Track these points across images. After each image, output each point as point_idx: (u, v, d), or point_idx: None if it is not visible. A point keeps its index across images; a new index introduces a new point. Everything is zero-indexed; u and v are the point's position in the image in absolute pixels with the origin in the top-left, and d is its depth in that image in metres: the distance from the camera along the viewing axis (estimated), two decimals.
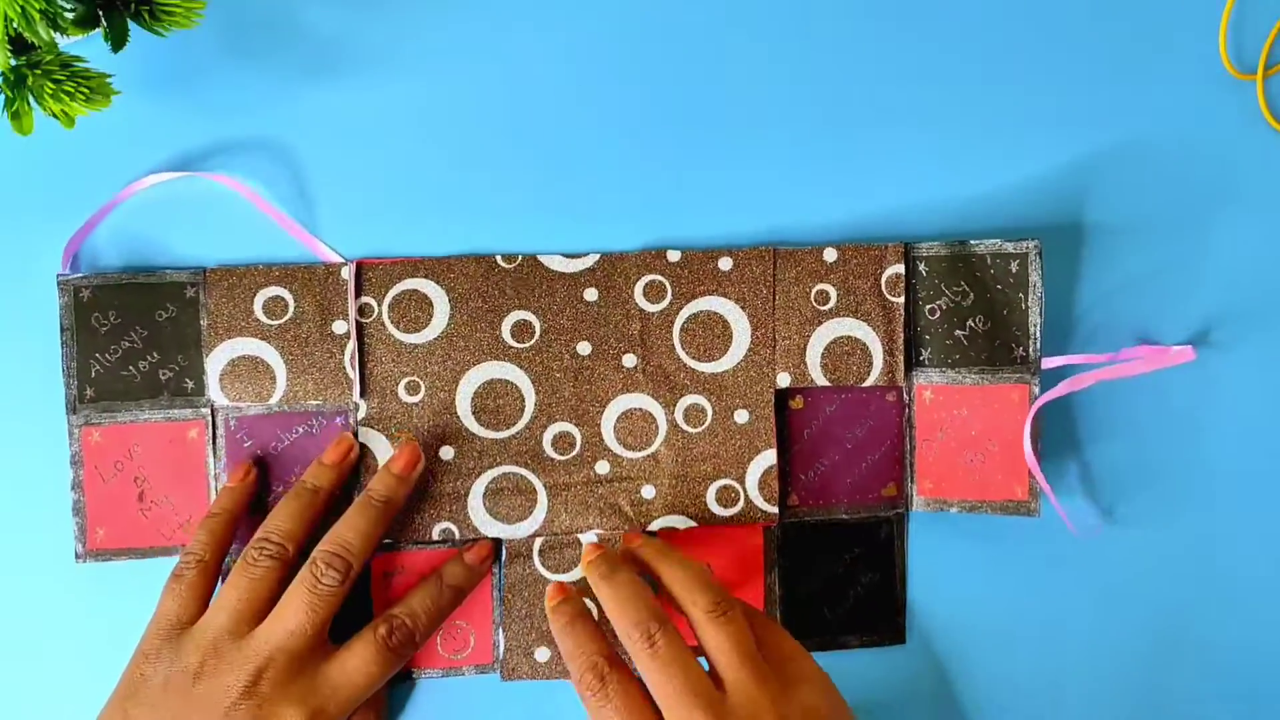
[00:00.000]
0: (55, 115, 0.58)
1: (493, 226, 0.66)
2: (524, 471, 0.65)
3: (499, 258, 0.65)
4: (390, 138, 0.66)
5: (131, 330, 0.64)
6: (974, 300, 0.66)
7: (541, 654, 0.65)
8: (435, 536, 0.65)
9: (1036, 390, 0.66)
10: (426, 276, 0.65)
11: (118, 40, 0.59)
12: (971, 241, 0.66)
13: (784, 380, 0.66)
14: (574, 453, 0.66)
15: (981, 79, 0.67)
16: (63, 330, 0.64)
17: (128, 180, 0.65)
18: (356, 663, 0.59)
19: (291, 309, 0.64)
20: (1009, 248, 0.66)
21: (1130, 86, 0.68)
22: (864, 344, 0.66)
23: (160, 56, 0.65)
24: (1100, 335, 0.68)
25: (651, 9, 0.66)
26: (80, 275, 0.64)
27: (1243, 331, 0.68)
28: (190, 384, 0.65)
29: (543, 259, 0.65)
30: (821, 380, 0.66)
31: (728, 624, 0.55)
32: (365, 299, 0.65)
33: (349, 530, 0.60)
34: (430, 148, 0.66)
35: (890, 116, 0.67)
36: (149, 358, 0.64)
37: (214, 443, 0.65)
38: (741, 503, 0.66)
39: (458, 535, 0.65)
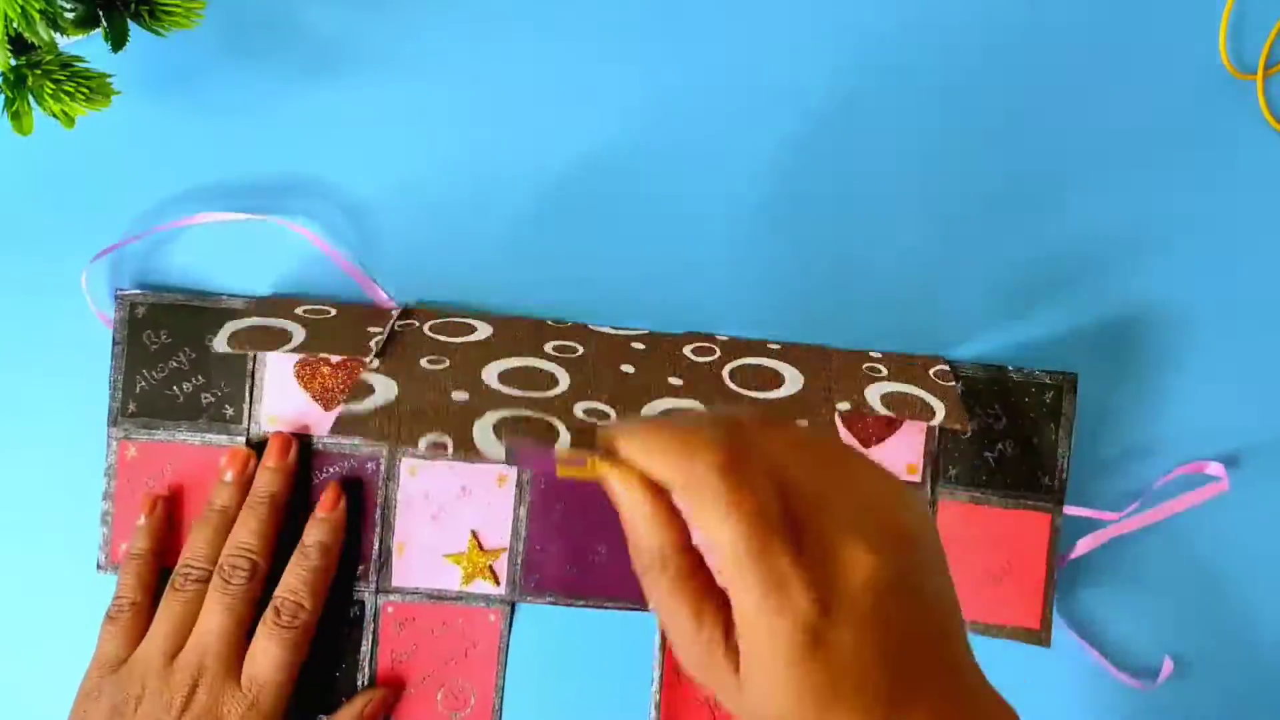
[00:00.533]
0: (55, 115, 0.58)
1: (504, 237, 0.67)
2: (550, 418, 0.61)
3: (548, 320, 0.67)
4: (391, 138, 0.66)
5: (180, 351, 0.65)
6: (1006, 424, 0.67)
7: None
8: (422, 447, 0.62)
9: (1059, 521, 0.67)
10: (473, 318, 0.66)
11: (118, 40, 0.58)
12: (1009, 368, 0.67)
13: (844, 406, 0.63)
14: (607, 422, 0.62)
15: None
16: (115, 344, 0.65)
17: (128, 180, 0.65)
18: (261, 655, 0.60)
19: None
20: (1044, 378, 0.67)
21: (1130, 86, 0.67)
22: (923, 399, 0.65)
23: (160, 56, 0.64)
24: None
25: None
26: (138, 291, 0.65)
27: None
28: (230, 410, 0.65)
29: (591, 326, 0.67)
30: (881, 410, 0.63)
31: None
32: (409, 321, 0.65)
33: (243, 531, 0.62)
34: (430, 147, 0.66)
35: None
36: (194, 380, 0.65)
37: None
38: None
39: (450, 449, 0.58)
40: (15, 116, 0.58)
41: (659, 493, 0.46)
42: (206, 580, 0.61)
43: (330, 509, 0.63)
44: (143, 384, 0.65)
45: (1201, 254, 0.68)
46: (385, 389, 0.60)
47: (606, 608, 0.66)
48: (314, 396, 0.65)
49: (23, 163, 0.65)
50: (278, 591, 0.62)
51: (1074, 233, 0.67)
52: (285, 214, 0.66)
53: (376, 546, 0.65)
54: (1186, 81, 0.68)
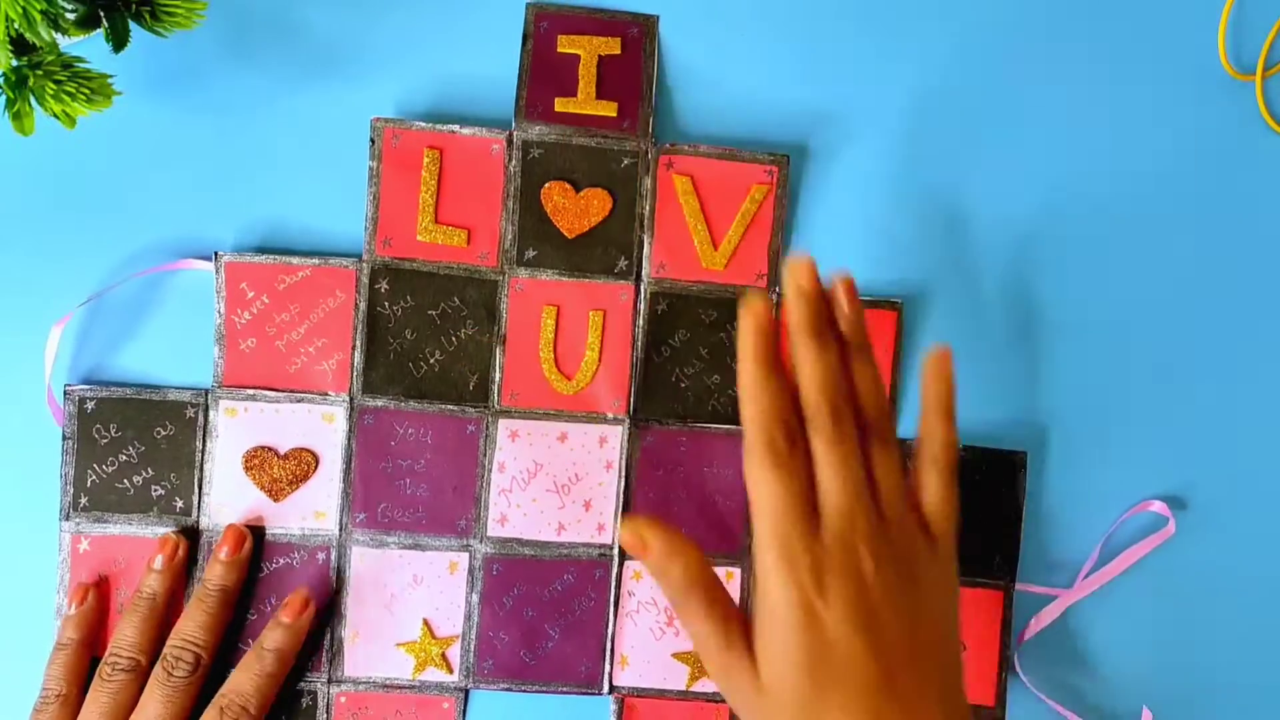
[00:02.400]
0: (56, 116, 0.58)
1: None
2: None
3: None
4: None
5: (130, 445, 0.65)
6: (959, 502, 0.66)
7: None
8: None
9: (1012, 598, 0.67)
10: None
11: (119, 41, 0.59)
12: (961, 444, 0.65)
13: None
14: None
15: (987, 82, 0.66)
16: (65, 439, 0.65)
17: (129, 182, 0.66)
18: None
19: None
20: (996, 456, 0.67)
21: (1130, 86, 0.67)
22: None
23: (161, 57, 0.65)
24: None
25: None
26: (87, 386, 0.65)
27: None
28: (180, 503, 0.65)
29: None
30: None
31: (893, 448, 0.55)
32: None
33: (191, 624, 0.62)
34: None
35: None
36: (144, 473, 0.65)
37: (195, 564, 0.65)
38: None
39: None
40: (17, 117, 0.58)
41: (666, 529, 0.54)
42: (134, 670, 0.61)
43: (295, 616, 0.63)
44: (93, 478, 0.65)
45: (1201, 253, 0.67)
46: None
47: (561, 692, 0.66)
48: (263, 488, 0.66)
49: (23, 163, 0.66)
50: (225, 690, 0.61)
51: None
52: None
53: (328, 636, 0.66)
54: (1186, 82, 0.67)
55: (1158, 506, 0.67)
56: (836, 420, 0.54)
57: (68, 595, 0.64)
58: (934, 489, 0.56)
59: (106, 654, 0.62)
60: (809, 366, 0.54)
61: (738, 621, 0.54)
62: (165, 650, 0.62)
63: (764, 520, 0.53)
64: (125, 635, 0.62)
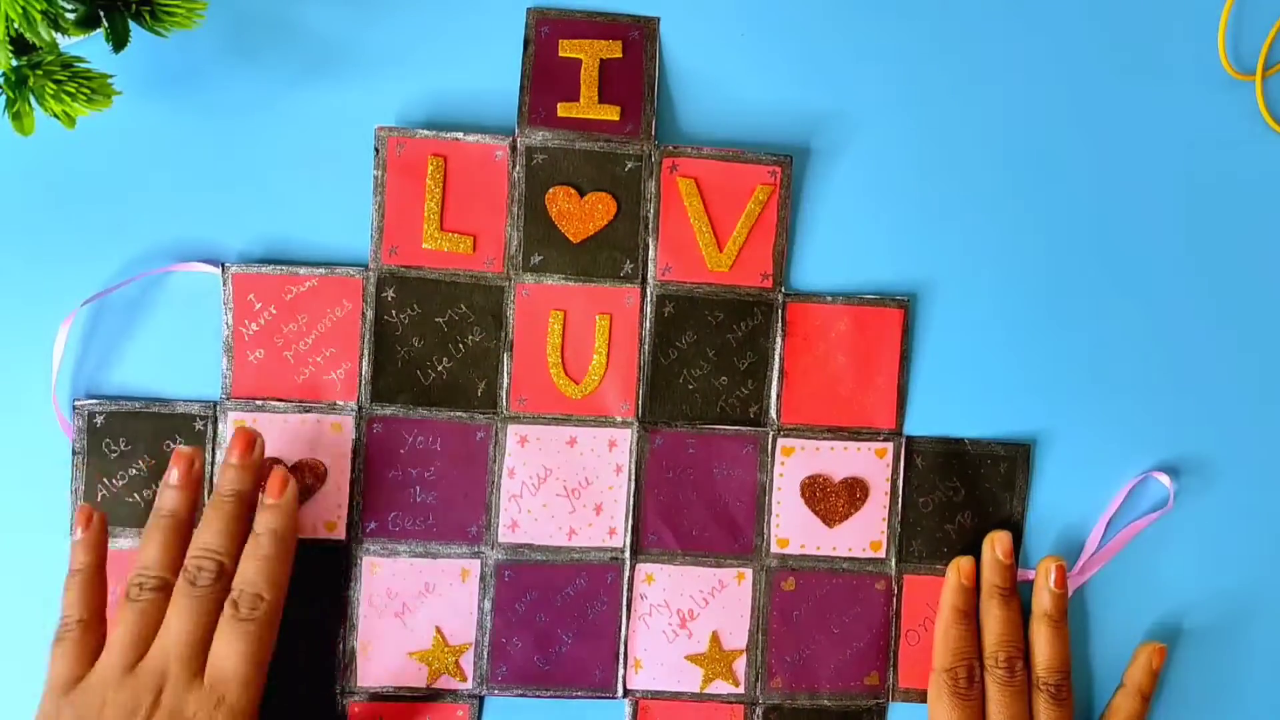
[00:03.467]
0: (56, 115, 0.58)
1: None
2: None
3: None
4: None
5: (140, 458, 0.65)
6: (965, 496, 0.68)
7: None
8: None
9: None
10: None
11: (119, 41, 0.59)
12: (966, 441, 0.68)
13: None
14: None
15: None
16: (74, 453, 0.65)
17: (129, 182, 0.65)
18: (225, 649, 0.58)
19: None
20: (1000, 449, 0.68)
21: (1130, 86, 0.68)
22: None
23: (161, 57, 0.65)
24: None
25: None
26: (95, 400, 0.65)
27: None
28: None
29: None
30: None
31: (1064, 708, 0.65)
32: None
33: (208, 533, 0.61)
34: None
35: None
36: (154, 486, 0.65)
37: None
38: None
39: None
40: (16, 117, 0.58)
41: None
42: (162, 588, 0.59)
43: (278, 494, 0.62)
44: (103, 492, 0.65)
45: (1201, 253, 0.68)
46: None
47: (575, 697, 0.67)
48: None
49: (24, 163, 0.65)
50: (235, 583, 0.60)
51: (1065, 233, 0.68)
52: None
53: (341, 647, 0.65)
54: (1186, 82, 0.68)
55: (1157, 475, 0.68)
56: (1009, 667, 0.65)
57: (77, 521, 0.62)
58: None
59: (131, 575, 0.60)
60: (995, 622, 0.66)
61: None
62: (186, 562, 0.60)
63: None
64: (149, 554, 0.60)
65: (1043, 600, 0.66)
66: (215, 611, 0.59)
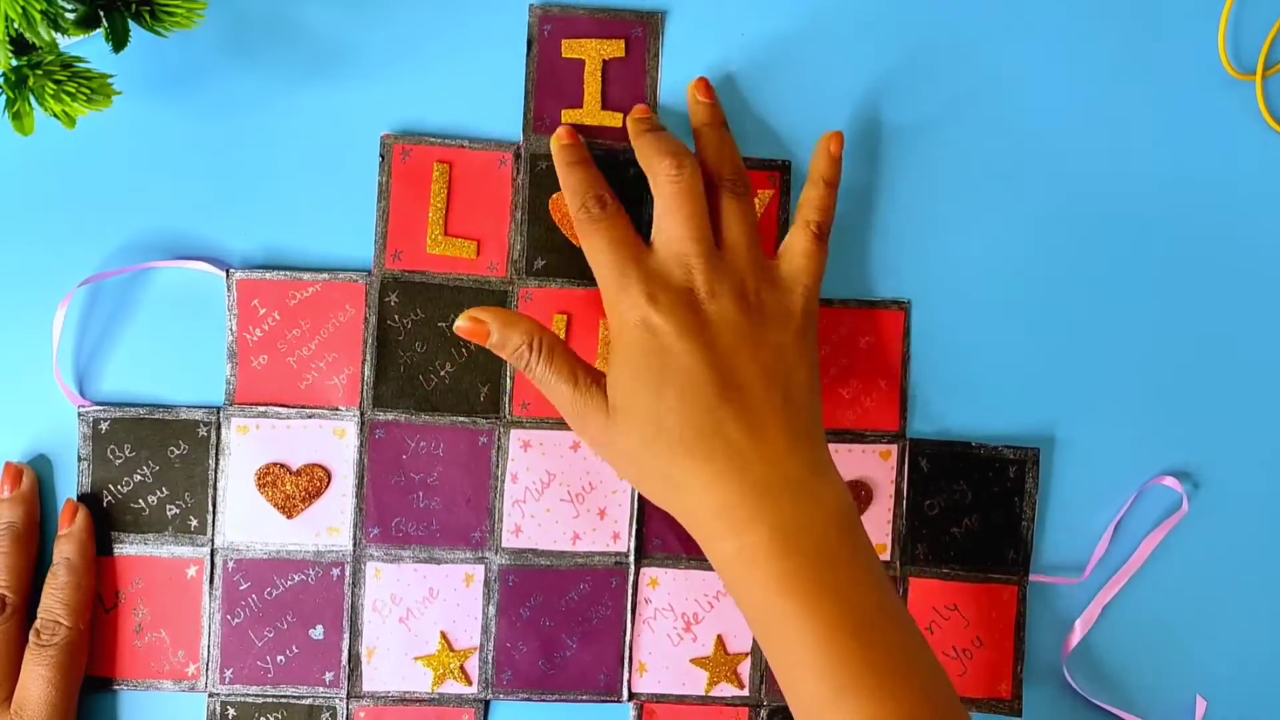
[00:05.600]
0: (56, 116, 0.57)
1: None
2: None
3: None
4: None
5: (144, 464, 0.65)
6: (971, 499, 0.68)
7: None
8: None
9: (1026, 591, 0.68)
10: None
11: (119, 41, 0.58)
12: (973, 444, 0.68)
13: None
14: None
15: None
16: (80, 460, 0.65)
17: (129, 182, 0.65)
18: (27, 676, 0.61)
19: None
20: (1008, 453, 0.68)
21: (1130, 86, 0.68)
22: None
23: (161, 57, 0.64)
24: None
25: None
26: (100, 407, 0.65)
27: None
28: (194, 522, 0.65)
29: None
30: None
31: (744, 200, 0.62)
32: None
33: None
34: None
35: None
36: (159, 492, 0.65)
37: (211, 582, 0.65)
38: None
39: None
40: (16, 117, 0.58)
41: (502, 310, 0.61)
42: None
43: (69, 523, 0.63)
44: (109, 498, 0.65)
45: (1201, 253, 0.68)
46: None
47: (580, 701, 0.67)
48: (276, 505, 0.65)
49: (24, 163, 0.65)
50: (39, 612, 0.62)
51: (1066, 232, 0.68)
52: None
53: (345, 652, 0.66)
54: (1186, 81, 0.68)
55: (1168, 481, 0.68)
56: (677, 165, 0.61)
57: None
58: (796, 243, 0.62)
59: None
60: (642, 139, 0.63)
61: (583, 367, 0.60)
62: None
63: (601, 265, 0.61)
64: None
65: (696, 114, 0.65)
66: (17, 641, 0.62)
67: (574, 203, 0.62)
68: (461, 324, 0.60)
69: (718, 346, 0.57)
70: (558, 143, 0.64)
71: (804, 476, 0.57)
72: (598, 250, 0.60)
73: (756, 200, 0.66)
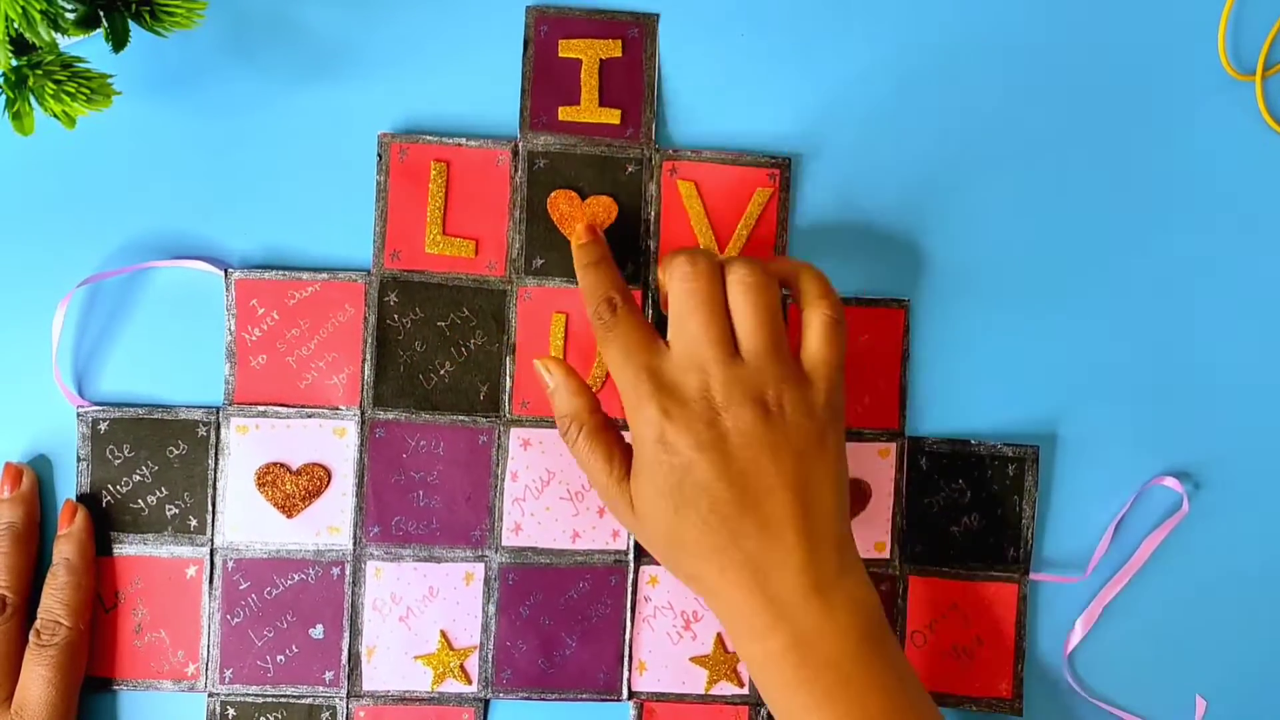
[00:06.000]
0: (56, 116, 0.57)
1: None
2: None
3: None
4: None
5: (144, 464, 0.65)
6: (971, 498, 0.68)
7: None
8: None
9: (1026, 590, 0.68)
10: None
11: (119, 41, 0.58)
12: (972, 441, 0.68)
13: None
14: None
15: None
16: (79, 460, 0.65)
17: (129, 182, 0.65)
18: (28, 675, 0.61)
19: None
20: (1007, 451, 0.68)
21: (1130, 86, 0.68)
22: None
23: (161, 57, 0.65)
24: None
25: None
26: (99, 407, 0.65)
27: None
28: (194, 521, 0.65)
29: None
30: None
31: (758, 293, 0.58)
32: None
33: None
34: None
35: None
36: (158, 492, 0.65)
37: (210, 582, 0.65)
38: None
39: None
40: (16, 117, 0.58)
41: (572, 370, 0.62)
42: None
43: (68, 524, 0.63)
44: (108, 498, 0.65)
45: (1202, 253, 0.68)
46: None
47: (580, 699, 0.67)
48: (276, 504, 0.65)
49: (24, 163, 0.65)
50: (39, 612, 0.62)
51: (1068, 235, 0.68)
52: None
53: (345, 651, 0.66)
54: (1186, 82, 0.68)
55: (1169, 482, 0.68)
56: (691, 263, 0.59)
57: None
58: (812, 335, 0.59)
59: None
60: (672, 257, 0.60)
61: (620, 454, 0.60)
62: None
63: (618, 376, 0.59)
64: None
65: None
66: (17, 641, 0.62)
67: (589, 306, 0.61)
68: (536, 361, 0.63)
69: (736, 460, 0.56)
70: (576, 241, 0.64)
71: (825, 584, 0.56)
72: (612, 361, 0.59)
73: (755, 199, 0.66)
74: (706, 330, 0.57)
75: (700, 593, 0.59)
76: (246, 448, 0.65)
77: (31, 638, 0.61)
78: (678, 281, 0.58)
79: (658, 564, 0.66)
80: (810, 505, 0.57)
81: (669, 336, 0.59)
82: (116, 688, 0.65)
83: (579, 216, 0.66)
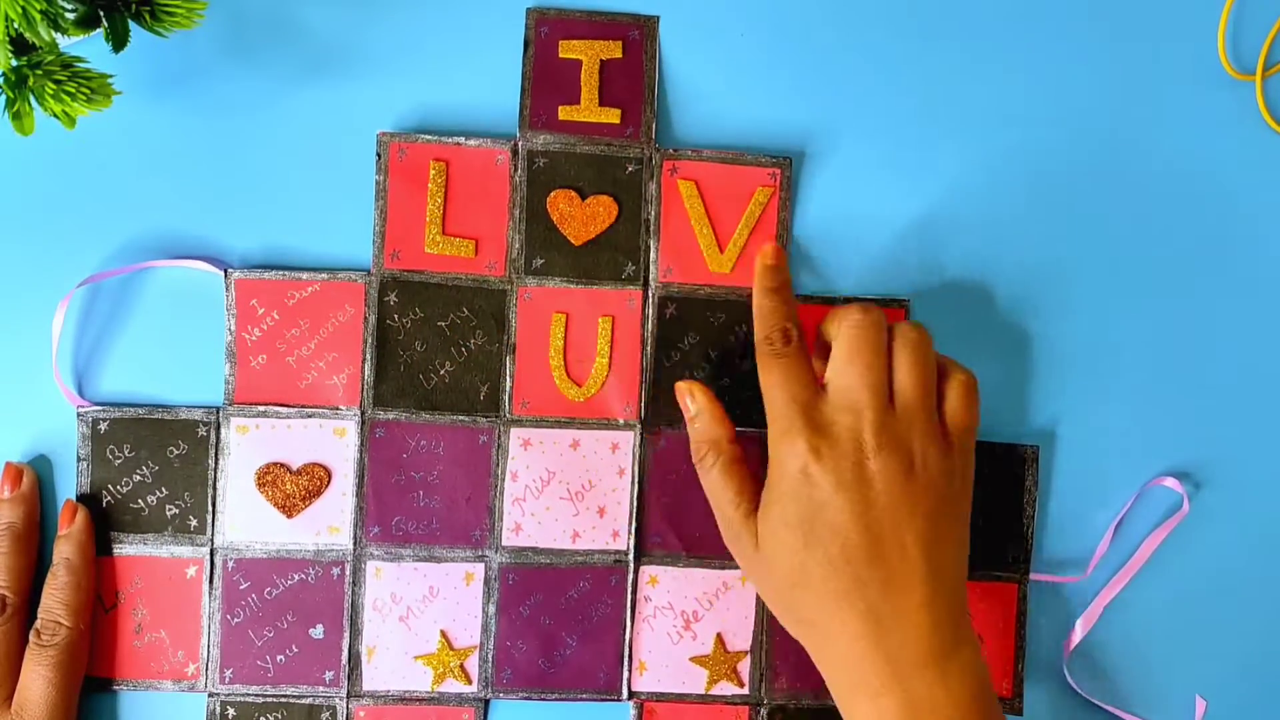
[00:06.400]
0: (56, 116, 0.57)
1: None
2: None
3: None
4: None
5: (144, 464, 0.65)
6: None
7: None
8: None
9: (1026, 589, 0.68)
10: None
11: (119, 41, 0.58)
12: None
13: None
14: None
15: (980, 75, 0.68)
16: (79, 460, 0.65)
17: (129, 182, 0.65)
18: (28, 675, 0.61)
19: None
20: (1007, 450, 0.68)
21: (1130, 86, 0.68)
22: None
23: (161, 57, 0.65)
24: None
25: None
26: (99, 407, 0.65)
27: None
28: (194, 521, 0.65)
29: None
30: None
31: (918, 350, 0.60)
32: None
33: None
34: None
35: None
36: (158, 492, 0.65)
37: (210, 582, 0.65)
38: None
39: None
40: (16, 117, 0.58)
41: (716, 398, 0.63)
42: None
43: (68, 524, 0.63)
44: (108, 498, 0.65)
45: (1202, 253, 0.69)
46: None
47: (580, 699, 0.67)
48: (276, 504, 0.65)
49: (24, 163, 0.65)
50: (39, 612, 0.62)
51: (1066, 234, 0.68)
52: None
53: (345, 651, 0.66)
54: (1186, 82, 0.68)
55: (1169, 483, 0.68)
56: (865, 310, 0.60)
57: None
58: (953, 397, 0.61)
59: None
60: (845, 307, 0.61)
61: (750, 489, 0.62)
62: None
63: (772, 403, 0.60)
64: None
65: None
66: (17, 641, 0.62)
67: (760, 329, 0.61)
68: (681, 385, 0.64)
69: (875, 507, 0.57)
70: (763, 261, 0.63)
71: (942, 653, 0.57)
72: (772, 386, 0.60)
73: (756, 199, 0.66)
74: (868, 375, 0.58)
75: (811, 641, 0.60)
76: (246, 448, 0.65)
77: (32, 638, 0.61)
78: (849, 326, 0.59)
79: (658, 563, 0.66)
80: (938, 568, 0.58)
81: (828, 376, 0.60)
82: (116, 688, 0.65)
83: (579, 216, 0.66)
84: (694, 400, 0.63)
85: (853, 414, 0.58)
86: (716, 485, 0.62)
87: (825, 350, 0.61)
